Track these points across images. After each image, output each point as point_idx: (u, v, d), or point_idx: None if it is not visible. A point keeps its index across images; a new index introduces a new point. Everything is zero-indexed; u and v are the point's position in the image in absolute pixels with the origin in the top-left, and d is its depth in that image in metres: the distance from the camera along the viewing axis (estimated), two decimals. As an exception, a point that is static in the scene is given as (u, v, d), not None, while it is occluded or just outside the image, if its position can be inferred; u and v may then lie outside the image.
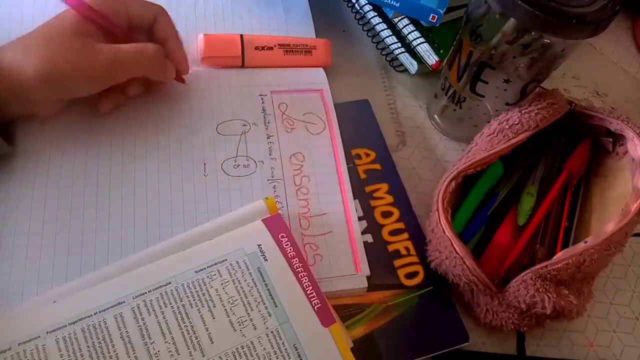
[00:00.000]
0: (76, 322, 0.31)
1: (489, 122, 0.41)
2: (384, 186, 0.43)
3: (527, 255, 0.41)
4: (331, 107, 0.46)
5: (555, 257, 0.35)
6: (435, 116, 0.49)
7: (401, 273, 0.40)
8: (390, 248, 0.41)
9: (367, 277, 0.39)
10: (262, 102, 0.44)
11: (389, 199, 0.43)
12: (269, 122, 0.44)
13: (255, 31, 0.49)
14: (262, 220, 0.36)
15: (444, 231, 0.37)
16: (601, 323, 0.42)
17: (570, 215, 0.42)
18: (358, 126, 0.46)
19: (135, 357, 0.30)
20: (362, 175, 0.44)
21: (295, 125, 0.44)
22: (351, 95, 0.49)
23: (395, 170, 0.45)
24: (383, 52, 0.52)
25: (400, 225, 0.42)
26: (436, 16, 0.45)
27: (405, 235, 0.41)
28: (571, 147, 0.44)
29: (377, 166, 0.44)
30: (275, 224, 0.36)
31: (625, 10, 0.64)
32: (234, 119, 0.43)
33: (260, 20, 0.50)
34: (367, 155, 0.45)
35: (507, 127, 0.39)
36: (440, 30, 0.48)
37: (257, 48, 0.46)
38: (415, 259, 0.40)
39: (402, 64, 0.51)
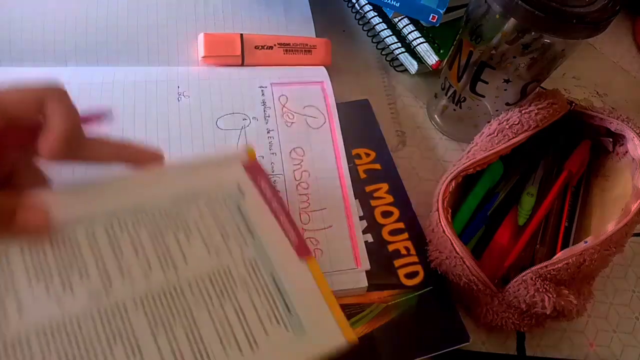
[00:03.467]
0: None
1: (489, 122, 0.41)
2: (384, 186, 0.43)
3: (527, 255, 0.41)
4: (332, 100, 0.46)
5: (555, 257, 0.35)
6: (435, 116, 0.49)
7: (401, 273, 0.40)
8: (391, 248, 0.41)
9: (368, 277, 0.39)
10: (263, 95, 0.44)
11: (389, 198, 0.43)
12: (269, 116, 0.44)
13: (255, 31, 0.49)
14: (242, 164, 0.36)
15: (444, 231, 0.37)
16: (601, 323, 0.42)
17: (570, 215, 0.42)
18: (358, 126, 0.46)
19: (104, 269, 0.29)
20: (362, 175, 0.44)
21: (296, 119, 0.44)
22: (351, 95, 0.49)
23: (395, 170, 0.45)
24: (383, 52, 0.52)
25: (400, 225, 0.42)
26: (436, 16, 0.45)
27: (405, 235, 0.41)
28: (571, 147, 0.44)
29: (377, 166, 0.44)
30: (254, 168, 0.36)
31: (625, 10, 0.64)
32: (233, 112, 0.43)
33: (260, 20, 0.50)
34: (367, 155, 0.45)
35: (507, 127, 0.39)
36: (440, 30, 0.48)
37: (257, 47, 0.46)
38: (415, 259, 0.40)
39: (402, 64, 0.51)
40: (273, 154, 0.42)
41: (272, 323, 0.31)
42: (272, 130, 0.43)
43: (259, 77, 0.46)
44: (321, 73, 0.48)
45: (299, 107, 0.45)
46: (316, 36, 0.50)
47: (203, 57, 0.45)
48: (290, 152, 0.43)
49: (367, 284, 0.38)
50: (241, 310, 0.30)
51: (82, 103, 0.39)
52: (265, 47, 0.47)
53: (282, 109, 0.44)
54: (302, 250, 0.34)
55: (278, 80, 0.46)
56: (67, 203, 0.30)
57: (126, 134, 0.41)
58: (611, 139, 0.42)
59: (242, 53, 0.46)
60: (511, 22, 0.37)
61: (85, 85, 0.41)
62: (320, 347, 0.31)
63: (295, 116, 0.44)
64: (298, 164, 0.42)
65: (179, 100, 0.43)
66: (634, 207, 0.36)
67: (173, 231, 0.32)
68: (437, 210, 0.37)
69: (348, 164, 0.43)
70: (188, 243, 0.31)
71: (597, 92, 0.56)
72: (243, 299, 0.31)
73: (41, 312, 0.27)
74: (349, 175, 0.43)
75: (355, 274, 0.39)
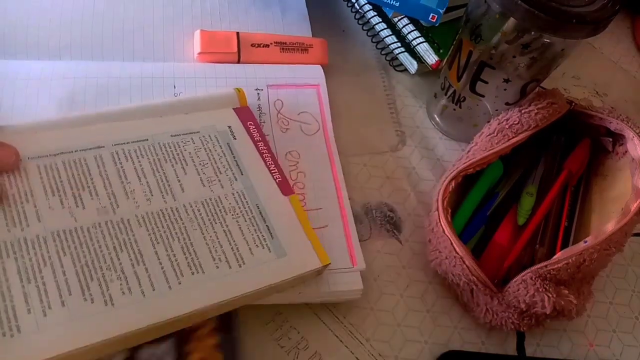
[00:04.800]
0: (57, 154, 0.34)
1: (488, 121, 0.41)
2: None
3: (527, 255, 0.41)
4: (326, 107, 0.46)
5: (555, 257, 0.35)
6: (435, 116, 0.49)
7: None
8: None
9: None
10: (258, 99, 0.44)
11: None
12: (264, 122, 0.44)
13: (252, 30, 0.48)
14: (233, 108, 0.41)
15: (443, 231, 0.37)
16: (601, 323, 0.42)
17: (570, 215, 0.42)
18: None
19: (112, 191, 0.34)
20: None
21: (290, 125, 0.44)
22: (351, 95, 0.49)
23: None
24: (383, 52, 0.52)
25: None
26: (436, 16, 0.44)
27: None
28: (571, 146, 0.44)
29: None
30: (245, 113, 0.41)
31: (625, 10, 0.64)
32: None
33: (257, 20, 0.50)
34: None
35: (507, 126, 0.39)
36: (440, 30, 0.48)
37: (253, 45, 0.46)
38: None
39: (401, 64, 0.51)
40: None
41: (257, 245, 0.35)
42: (267, 135, 0.43)
43: (255, 78, 0.45)
44: (317, 73, 0.47)
45: (294, 113, 0.45)
46: (314, 36, 0.50)
47: (199, 53, 0.45)
48: (286, 155, 0.43)
49: (362, 287, 0.38)
50: (230, 233, 0.35)
51: (77, 99, 0.40)
52: (261, 45, 0.47)
53: (277, 115, 0.44)
54: (285, 188, 0.39)
55: (274, 82, 0.46)
56: (77, 134, 0.35)
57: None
58: (611, 139, 0.42)
59: (238, 50, 0.46)
60: (511, 21, 0.37)
61: (80, 81, 0.41)
62: (299, 268, 0.35)
63: (290, 122, 0.44)
64: (294, 166, 0.42)
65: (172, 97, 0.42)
66: (633, 207, 0.36)
67: (171, 163, 0.36)
68: (437, 210, 0.37)
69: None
70: (184, 174, 0.36)
71: (597, 92, 0.56)
72: (231, 224, 0.35)
73: (57, 220, 0.32)
74: (343, 176, 0.43)
75: (350, 275, 0.38)
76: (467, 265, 0.35)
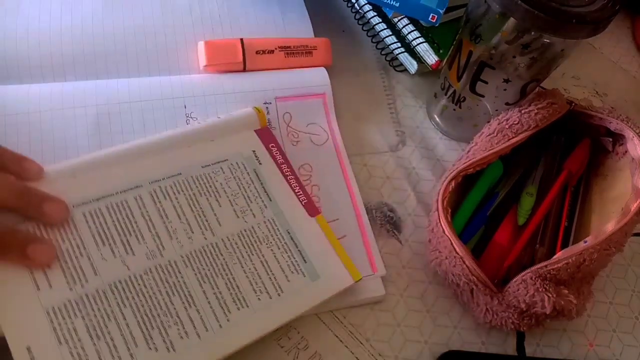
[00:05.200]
0: (99, 199, 0.34)
1: (488, 122, 0.41)
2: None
3: (527, 255, 0.41)
4: (332, 116, 0.46)
5: (555, 257, 0.35)
6: (435, 116, 0.49)
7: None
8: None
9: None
10: (268, 113, 0.44)
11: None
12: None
13: (254, 33, 0.48)
14: (254, 130, 0.41)
15: (443, 231, 0.37)
16: (601, 323, 0.42)
17: (570, 215, 0.42)
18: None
19: (156, 233, 0.34)
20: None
21: (300, 137, 0.45)
22: (351, 95, 0.49)
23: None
24: (383, 52, 0.52)
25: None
26: (436, 16, 0.44)
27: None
28: (571, 147, 0.44)
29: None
30: (266, 134, 0.41)
31: (625, 10, 0.64)
32: None
33: (257, 22, 0.49)
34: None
35: (506, 126, 0.39)
36: (440, 30, 0.48)
37: (257, 52, 0.46)
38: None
39: (401, 64, 0.51)
40: None
41: (292, 271, 0.36)
42: None
43: (264, 90, 0.45)
44: (323, 78, 0.47)
45: (303, 125, 0.45)
46: (315, 36, 0.50)
47: (205, 66, 0.44)
48: (299, 169, 0.43)
49: (384, 292, 0.39)
50: (266, 262, 0.36)
51: (103, 130, 0.40)
52: (266, 52, 0.46)
53: (287, 128, 0.44)
54: (311, 209, 0.40)
55: (281, 93, 0.45)
56: (114, 174, 0.35)
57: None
58: (611, 139, 0.42)
59: (243, 59, 0.45)
60: (511, 22, 0.37)
61: (92, 109, 0.40)
62: (333, 288, 0.37)
63: (300, 135, 0.45)
64: (307, 179, 0.43)
65: (187, 123, 0.42)
66: (633, 207, 0.36)
67: (206, 196, 0.37)
68: (437, 210, 0.37)
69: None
70: (219, 206, 0.37)
71: (597, 92, 0.56)
72: (267, 253, 0.36)
73: (112, 271, 0.32)
74: (356, 184, 0.43)
75: (372, 282, 0.39)
76: (467, 265, 0.35)
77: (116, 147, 0.37)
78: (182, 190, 0.36)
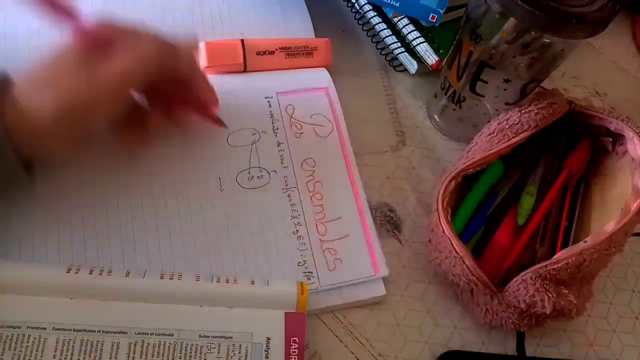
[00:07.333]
0: (79, 331, 0.32)
1: (488, 122, 0.41)
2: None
3: (527, 255, 0.41)
4: (338, 106, 0.46)
5: (555, 257, 0.35)
6: (435, 116, 0.49)
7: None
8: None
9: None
10: (269, 106, 0.44)
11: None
12: (277, 129, 0.43)
13: (254, 34, 0.48)
14: (286, 312, 0.35)
15: (443, 231, 0.37)
16: (601, 323, 0.42)
17: (570, 214, 0.42)
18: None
19: None
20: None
21: (304, 129, 0.44)
22: (351, 95, 0.49)
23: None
24: (383, 52, 0.52)
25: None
26: (436, 16, 0.44)
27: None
28: (571, 147, 0.44)
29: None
30: (296, 324, 0.35)
31: (625, 9, 0.64)
32: (243, 128, 0.43)
33: (258, 23, 0.49)
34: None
35: (506, 126, 0.39)
36: (440, 30, 0.48)
37: (258, 53, 0.46)
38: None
39: (401, 64, 0.51)
40: (285, 167, 0.42)
41: None
42: (282, 142, 0.43)
43: (264, 87, 0.45)
44: (324, 78, 0.47)
45: (306, 116, 0.45)
46: (315, 35, 0.50)
47: (205, 67, 0.44)
48: (302, 164, 0.43)
49: (384, 293, 0.39)
50: None
51: None
52: (266, 53, 0.46)
53: (290, 120, 0.44)
54: None
55: (283, 89, 0.45)
56: (107, 309, 0.33)
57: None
58: (611, 139, 0.42)
59: (244, 60, 0.45)
60: (511, 21, 0.37)
61: None
62: None
63: (304, 126, 0.44)
64: (310, 176, 0.42)
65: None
66: (633, 207, 0.36)
67: None
68: (437, 210, 0.37)
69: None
70: None
71: (597, 92, 0.56)
72: None
73: None
74: (360, 180, 0.43)
75: (373, 283, 0.39)
76: (467, 265, 0.35)
77: (137, 278, 0.34)
78: (164, 355, 0.32)
